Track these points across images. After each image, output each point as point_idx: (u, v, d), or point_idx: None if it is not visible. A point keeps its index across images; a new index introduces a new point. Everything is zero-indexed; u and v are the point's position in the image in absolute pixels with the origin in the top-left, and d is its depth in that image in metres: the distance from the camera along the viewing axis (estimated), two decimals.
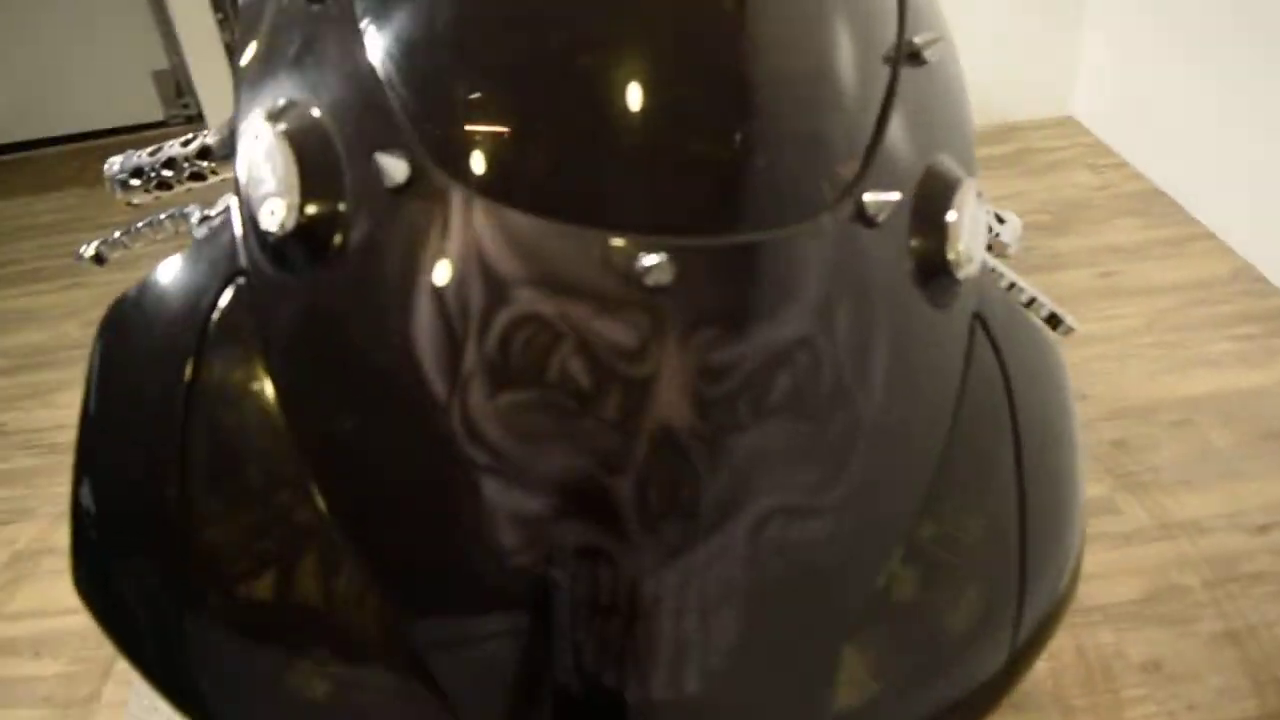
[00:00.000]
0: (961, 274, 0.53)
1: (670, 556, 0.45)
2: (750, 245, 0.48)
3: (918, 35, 0.59)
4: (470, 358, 0.46)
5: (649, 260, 0.45)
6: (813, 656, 0.50)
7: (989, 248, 0.72)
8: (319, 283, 0.51)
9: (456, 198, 0.47)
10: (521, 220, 0.47)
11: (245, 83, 0.58)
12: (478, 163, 0.49)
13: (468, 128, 0.50)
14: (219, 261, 0.55)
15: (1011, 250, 0.74)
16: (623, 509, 0.45)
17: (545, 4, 0.53)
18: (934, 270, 0.53)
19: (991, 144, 2.61)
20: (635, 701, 0.46)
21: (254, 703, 0.52)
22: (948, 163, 0.57)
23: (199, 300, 0.55)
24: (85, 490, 0.57)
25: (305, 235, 0.50)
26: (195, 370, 0.53)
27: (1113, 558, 1.45)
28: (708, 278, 0.47)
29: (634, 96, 0.50)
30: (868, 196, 0.51)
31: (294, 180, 0.49)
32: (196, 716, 0.52)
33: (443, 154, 0.49)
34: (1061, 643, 1.33)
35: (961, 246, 0.53)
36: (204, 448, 0.52)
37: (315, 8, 0.55)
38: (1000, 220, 0.74)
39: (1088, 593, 1.40)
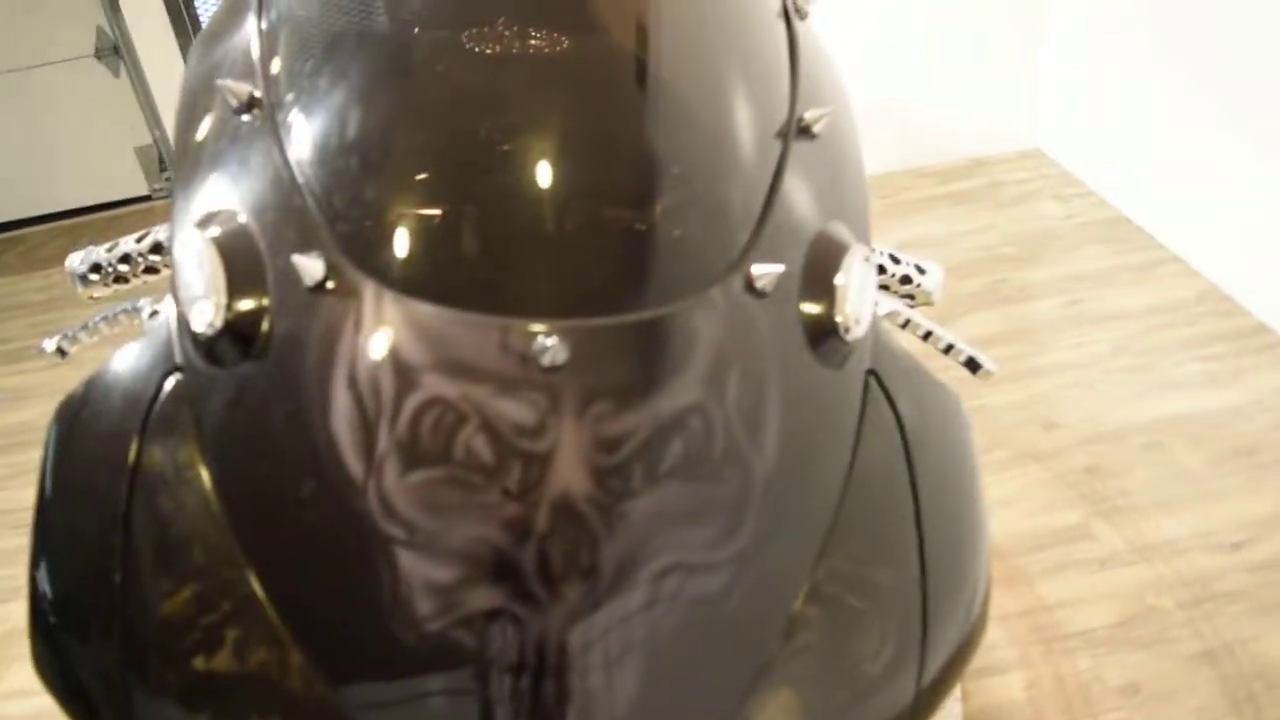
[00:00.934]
0: (850, 335, 0.57)
1: (574, 616, 0.48)
2: (642, 322, 0.53)
3: (809, 110, 0.63)
4: (383, 440, 0.50)
5: (544, 342, 0.49)
6: (720, 700, 0.53)
7: (910, 297, 0.77)
8: (245, 376, 0.54)
9: (369, 293, 0.52)
10: (428, 311, 0.51)
11: (180, 189, 0.62)
12: (387, 258, 0.53)
13: (377, 226, 0.54)
14: (159, 356, 0.59)
15: (935, 298, 0.77)
16: (526, 574, 0.48)
17: (447, 105, 0.58)
18: (823, 333, 0.57)
19: (961, 179, 2.66)
20: None
21: None
22: (837, 229, 0.61)
23: (143, 391, 0.59)
24: (40, 573, 0.60)
25: (232, 332, 0.54)
26: (137, 457, 0.56)
27: (1088, 583, 1.47)
28: (601, 355, 0.51)
29: (533, 189, 0.55)
30: (755, 269, 0.55)
31: (220, 283, 0.54)
32: None
33: (355, 252, 0.53)
34: (1039, 670, 1.35)
35: (849, 309, 0.57)
36: (145, 531, 0.55)
37: (242, 119, 0.60)
38: (921, 270, 0.78)
39: (1065, 619, 1.42)
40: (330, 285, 0.53)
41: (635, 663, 0.49)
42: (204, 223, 0.57)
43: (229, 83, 0.61)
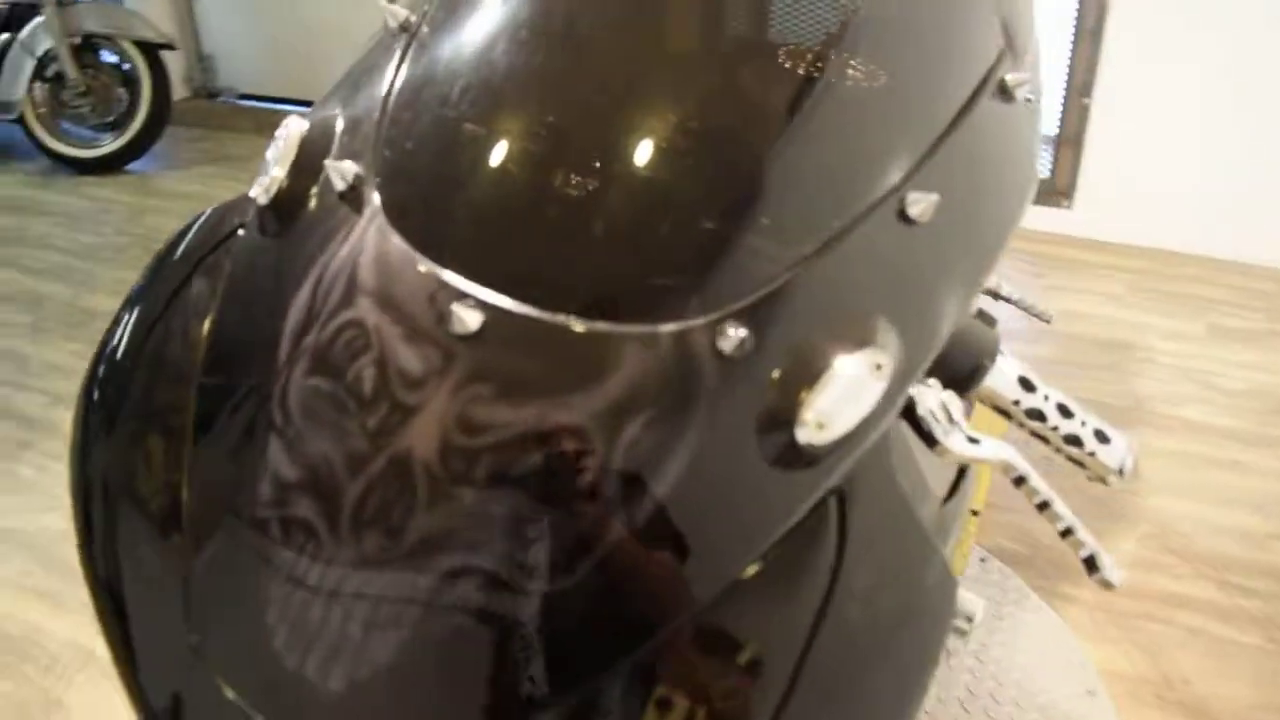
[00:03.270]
0: (803, 438, 0.50)
1: (361, 563, 0.49)
2: (565, 329, 0.50)
3: (914, 192, 0.55)
4: (309, 339, 0.53)
5: (460, 308, 0.50)
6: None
7: (1078, 464, 0.63)
8: (265, 246, 0.60)
9: (368, 213, 0.56)
10: (398, 245, 0.54)
11: (336, 84, 0.68)
12: (396, 191, 0.57)
13: (404, 161, 0.58)
14: (241, 209, 0.66)
15: (1113, 479, 0.63)
16: (343, 505, 0.49)
17: (519, 72, 0.60)
18: (775, 424, 0.50)
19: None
20: (291, 669, 0.49)
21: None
22: (872, 324, 0.53)
23: (213, 234, 0.66)
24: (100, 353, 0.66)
25: (275, 206, 0.59)
26: (181, 285, 0.64)
27: None
28: (510, 342, 0.50)
29: (523, 168, 0.56)
30: (729, 330, 0.50)
31: (286, 164, 0.60)
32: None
33: (381, 175, 0.58)
34: None
35: (813, 411, 0.50)
36: (158, 343, 0.62)
37: (390, 38, 0.66)
38: (1102, 439, 0.62)
39: None
40: (349, 195, 0.57)
41: (392, 637, 0.48)
42: (312, 114, 0.63)
43: (388, 4, 0.66)
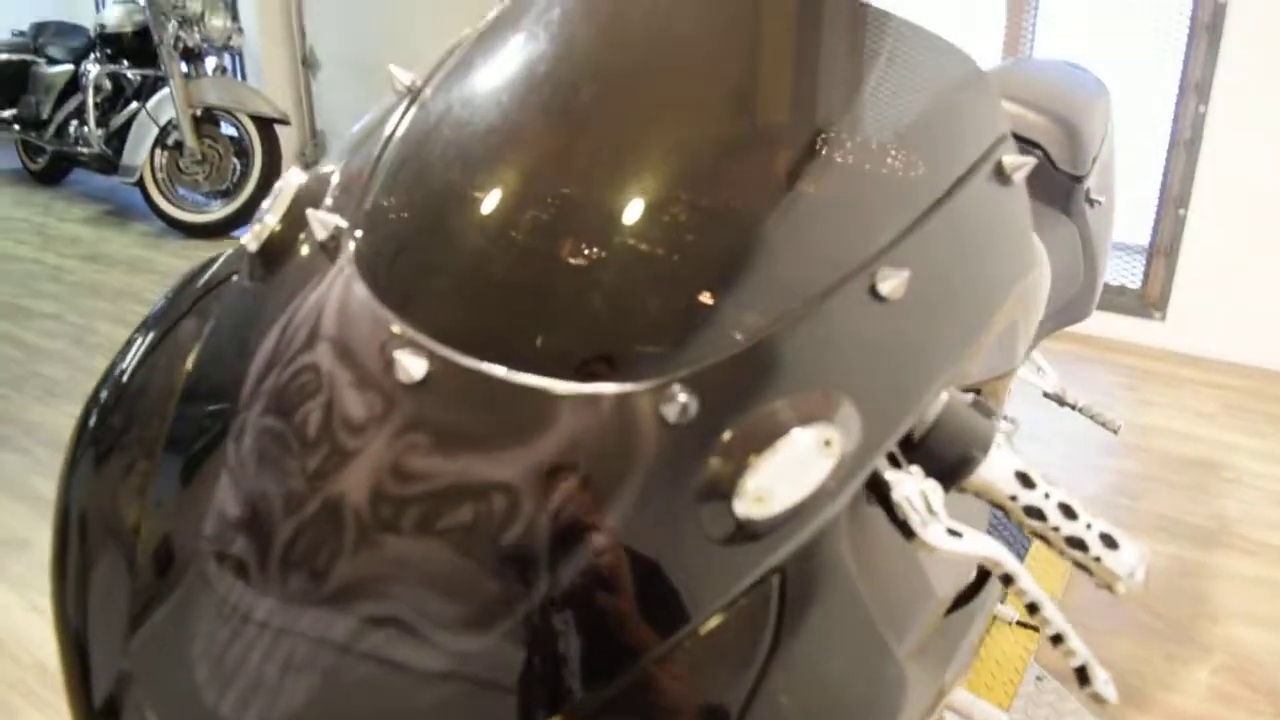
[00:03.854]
0: (741, 508, 0.48)
1: (286, 603, 0.49)
2: (507, 384, 0.50)
3: (886, 268, 0.54)
4: (269, 380, 0.55)
5: (406, 357, 0.50)
6: None
7: (1083, 568, 0.59)
8: (246, 290, 0.62)
9: (341, 263, 0.58)
10: (360, 291, 0.55)
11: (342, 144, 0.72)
12: (366, 241, 0.59)
13: (376, 217, 0.60)
14: (238, 260, 0.68)
15: (1121, 586, 0.58)
16: (274, 543, 0.50)
17: (495, 134, 0.61)
18: (715, 495, 0.48)
19: None
20: (209, 704, 0.49)
21: None
22: (832, 401, 0.51)
23: (214, 277, 0.68)
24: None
25: (264, 254, 0.62)
26: (175, 323, 0.66)
27: None
28: (452, 393, 0.50)
29: (483, 228, 0.56)
30: (676, 394, 0.49)
31: (277, 213, 0.62)
32: None
33: (357, 227, 0.59)
34: None
35: (755, 485, 0.48)
36: (149, 374, 0.65)
37: (396, 99, 0.68)
38: (1109, 544, 0.58)
39: None
40: (329, 245, 0.59)
41: (306, 680, 0.48)
42: (307, 167, 0.66)
43: (396, 70, 0.68)
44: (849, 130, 0.59)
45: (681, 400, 0.49)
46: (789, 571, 0.50)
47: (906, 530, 0.53)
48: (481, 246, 0.55)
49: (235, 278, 0.65)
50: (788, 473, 0.48)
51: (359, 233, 0.58)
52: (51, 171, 5.30)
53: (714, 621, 0.48)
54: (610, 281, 0.52)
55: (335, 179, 0.64)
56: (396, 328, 0.52)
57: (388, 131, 0.64)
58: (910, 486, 0.53)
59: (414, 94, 0.66)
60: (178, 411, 0.60)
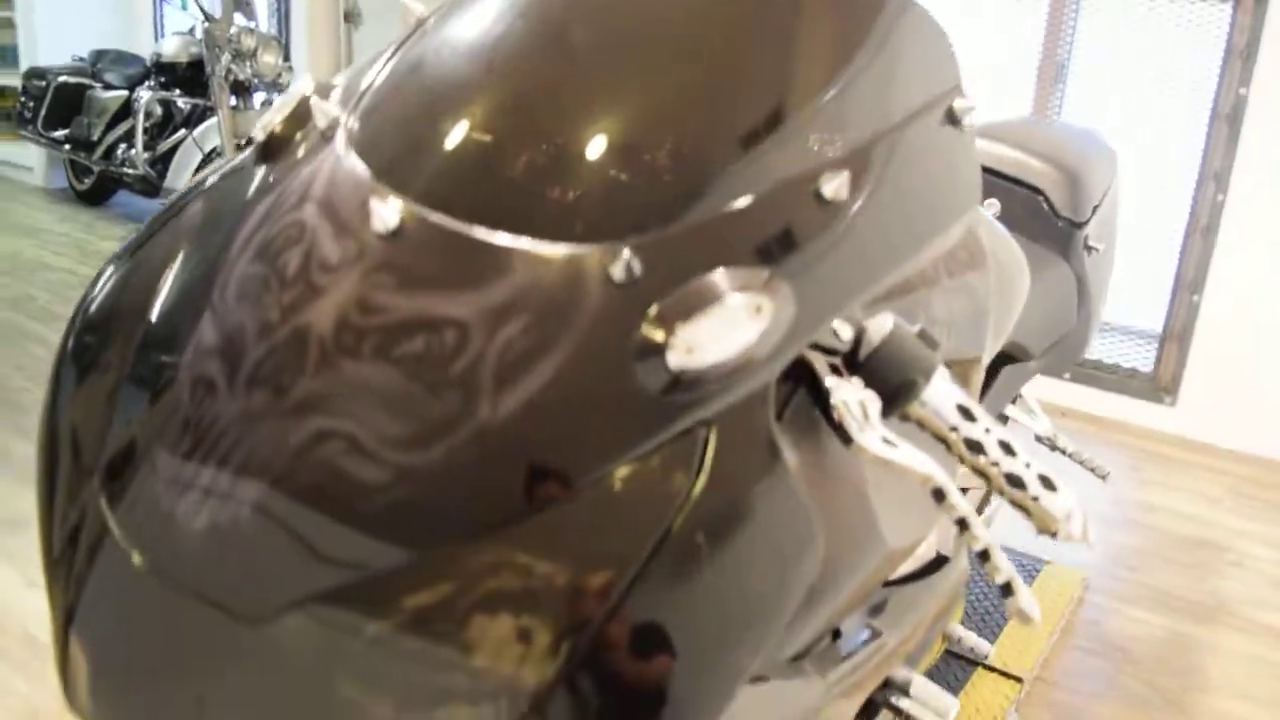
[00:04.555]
0: (673, 359, 0.52)
1: (245, 419, 0.53)
2: (470, 237, 0.55)
3: (831, 173, 0.59)
4: (259, 235, 0.60)
5: (383, 210, 0.56)
6: (287, 582, 0.51)
7: (1024, 509, 0.60)
8: (249, 168, 0.67)
9: (338, 142, 0.63)
10: (349, 161, 0.60)
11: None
12: (359, 124, 0.64)
13: (370, 108, 0.65)
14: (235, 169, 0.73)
15: (1060, 527, 0.59)
16: (242, 365, 0.54)
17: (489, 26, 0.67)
18: (650, 348, 0.52)
19: None
20: (166, 510, 0.53)
21: None
22: (760, 274, 0.55)
23: (231, 160, 0.73)
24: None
25: (267, 144, 0.67)
26: (190, 191, 0.71)
27: None
28: (421, 244, 0.55)
29: (463, 105, 0.62)
30: (625, 258, 0.53)
31: (286, 111, 0.67)
32: None
33: (355, 116, 0.65)
34: None
35: (686, 336, 0.52)
36: (158, 243, 0.69)
37: (412, 24, 0.74)
38: (1047, 485, 0.59)
39: None
40: (327, 132, 0.64)
41: (255, 486, 0.52)
42: (326, 77, 0.73)
43: (409, 1, 0.74)
44: (812, 65, 0.64)
45: (626, 261, 0.53)
46: (718, 430, 0.53)
47: (844, 435, 0.56)
48: (456, 123, 0.60)
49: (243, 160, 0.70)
50: (718, 330, 0.52)
51: (354, 120, 0.64)
52: (97, 192, 5.44)
53: (639, 462, 0.52)
54: (566, 152, 0.57)
55: (341, 83, 0.69)
56: (375, 187, 0.57)
57: (390, 50, 0.69)
58: (849, 393, 0.56)
59: (421, 23, 0.71)
60: (172, 279, 0.63)
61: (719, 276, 0.54)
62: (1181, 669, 1.90)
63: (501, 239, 0.55)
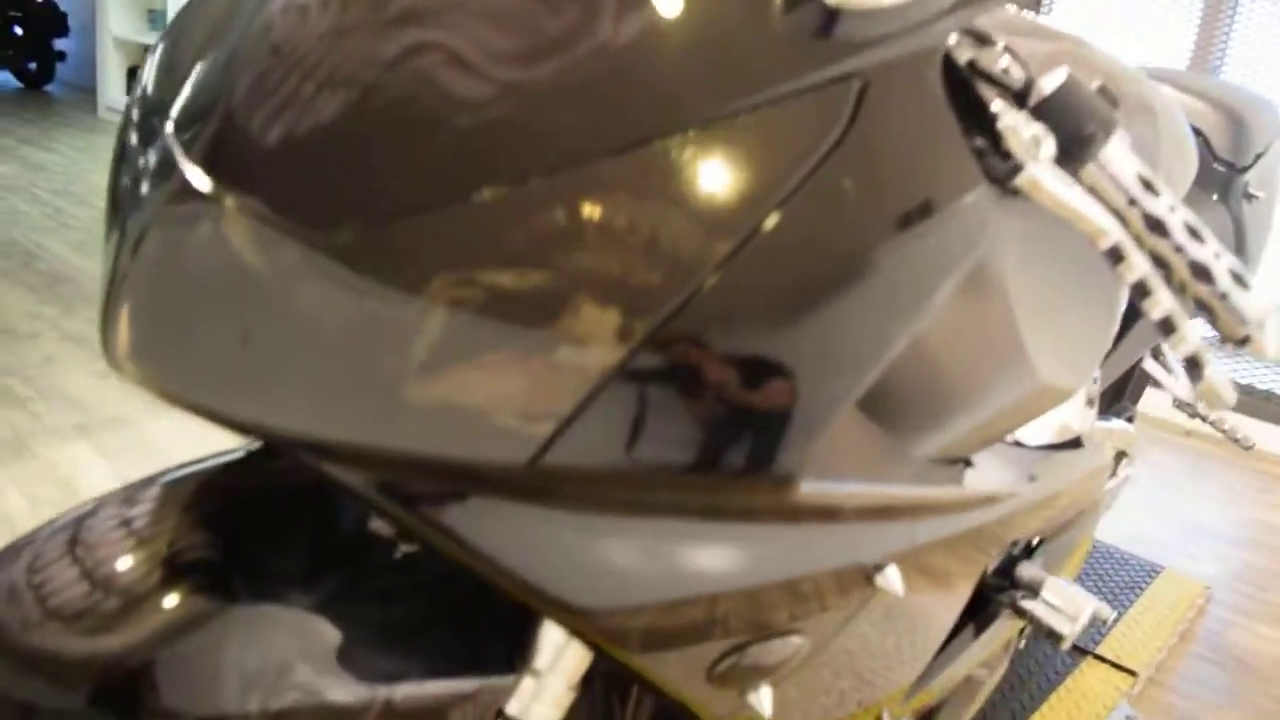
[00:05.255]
0: None
1: (336, 32, 0.47)
2: None
3: None
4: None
5: None
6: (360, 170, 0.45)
7: (1209, 308, 0.52)
8: None
9: None
10: None
11: None
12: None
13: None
14: None
15: (1250, 336, 0.50)
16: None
17: None
18: None
19: None
20: (240, 128, 0.47)
21: None
22: None
23: None
24: None
25: None
26: None
27: None
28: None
29: None
30: None
31: None
32: None
33: None
34: None
35: None
36: None
37: None
38: (1240, 281, 0.50)
39: None
40: None
41: (342, 99, 0.46)
42: None
43: None
44: None
45: None
46: (876, 85, 0.47)
47: (1011, 166, 0.48)
48: None
49: None
50: None
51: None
52: None
53: (780, 104, 0.45)
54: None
55: None
56: None
57: None
58: (1020, 121, 0.49)
59: None
60: None
61: None
62: None
63: None
